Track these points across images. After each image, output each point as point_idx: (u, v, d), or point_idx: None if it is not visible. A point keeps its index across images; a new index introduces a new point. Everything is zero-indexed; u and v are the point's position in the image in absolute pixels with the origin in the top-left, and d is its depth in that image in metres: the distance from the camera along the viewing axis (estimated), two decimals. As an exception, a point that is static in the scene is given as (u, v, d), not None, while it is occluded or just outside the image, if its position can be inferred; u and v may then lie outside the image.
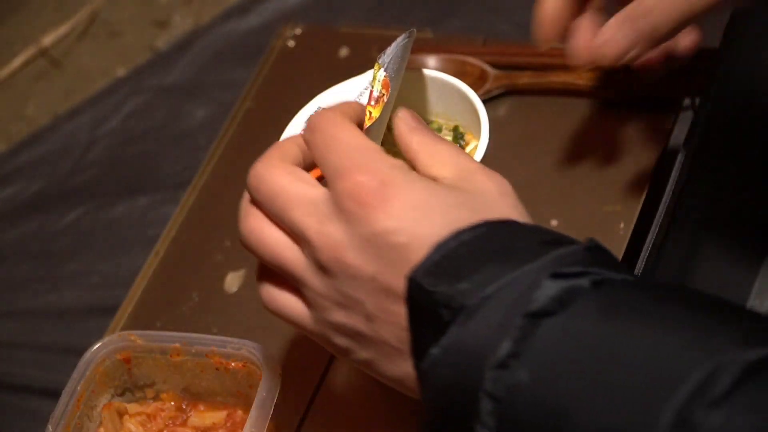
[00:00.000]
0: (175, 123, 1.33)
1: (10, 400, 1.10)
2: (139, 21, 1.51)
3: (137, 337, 0.84)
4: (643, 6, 0.67)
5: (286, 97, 1.03)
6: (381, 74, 0.71)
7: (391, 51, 0.72)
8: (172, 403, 0.85)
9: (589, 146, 0.91)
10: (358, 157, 0.59)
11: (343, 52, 1.07)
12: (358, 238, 0.58)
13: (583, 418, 0.48)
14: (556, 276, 0.53)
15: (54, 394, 0.82)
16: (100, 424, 0.84)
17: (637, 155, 0.89)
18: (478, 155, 0.74)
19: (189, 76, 1.38)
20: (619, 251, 0.83)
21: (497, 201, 0.60)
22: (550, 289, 0.52)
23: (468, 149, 0.78)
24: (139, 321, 0.94)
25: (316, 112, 0.65)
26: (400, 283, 0.57)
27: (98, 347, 0.84)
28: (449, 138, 0.80)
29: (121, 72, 1.42)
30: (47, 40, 1.51)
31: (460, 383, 0.53)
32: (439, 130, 0.80)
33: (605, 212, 0.86)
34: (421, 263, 0.56)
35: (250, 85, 1.08)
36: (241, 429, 0.76)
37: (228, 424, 0.83)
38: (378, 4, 1.39)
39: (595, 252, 0.56)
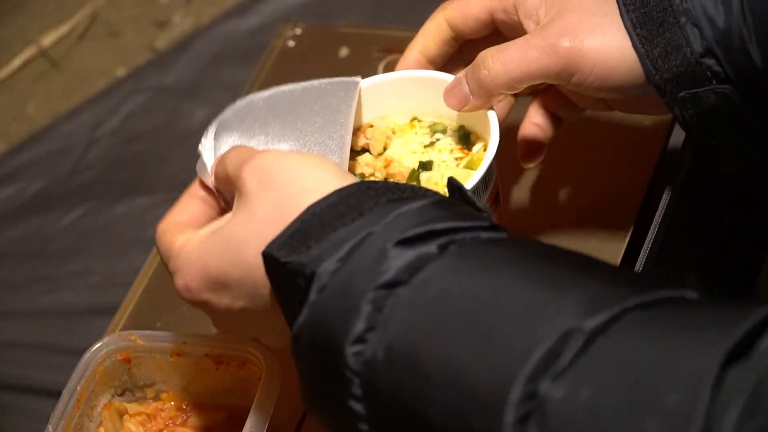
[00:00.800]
0: (175, 123, 1.33)
1: (10, 400, 1.10)
2: (139, 21, 1.51)
3: (137, 337, 0.84)
4: (485, 63, 0.72)
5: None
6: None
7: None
8: (172, 403, 0.85)
9: (588, 146, 0.91)
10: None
11: (343, 52, 1.07)
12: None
13: (438, 391, 0.49)
14: (402, 243, 0.54)
15: (54, 394, 0.82)
16: (100, 424, 0.84)
17: (636, 155, 0.89)
18: (489, 155, 0.73)
19: (189, 76, 1.38)
20: (618, 252, 0.83)
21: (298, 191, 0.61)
22: (397, 259, 0.53)
23: (475, 149, 0.78)
24: (139, 321, 0.94)
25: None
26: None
27: (98, 347, 0.83)
28: (453, 139, 0.79)
29: (121, 72, 1.43)
30: (47, 40, 1.51)
31: (326, 356, 0.54)
32: (444, 131, 0.80)
33: (603, 212, 0.86)
34: (276, 238, 0.58)
35: (250, 85, 1.08)
36: (241, 429, 0.76)
37: (228, 424, 0.83)
38: (378, 4, 1.39)
39: (444, 204, 0.57)
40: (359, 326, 0.53)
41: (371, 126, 0.81)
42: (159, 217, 1.19)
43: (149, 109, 1.36)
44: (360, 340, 0.53)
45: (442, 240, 0.54)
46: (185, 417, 0.84)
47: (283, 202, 0.60)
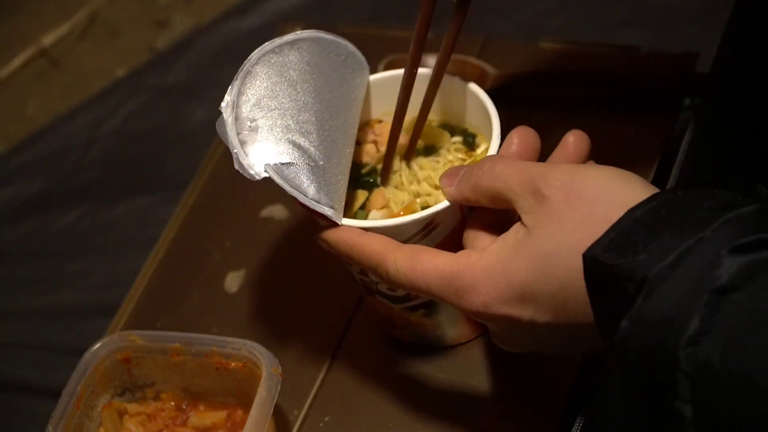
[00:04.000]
0: (175, 123, 1.33)
1: (10, 400, 1.10)
2: (139, 21, 1.51)
3: (137, 337, 0.84)
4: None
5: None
6: None
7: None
8: (172, 403, 0.85)
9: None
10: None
11: (343, 52, 1.07)
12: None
13: None
14: (735, 251, 0.53)
15: (54, 394, 0.82)
16: (100, 424, 0.83)
17: (637, 155, 0.89)
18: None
19: (189, 76, 1.38)
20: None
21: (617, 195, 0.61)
22: (731, 265, 0.53)
23: (478, 151, 0.78)
24: (139, 321, 0.94)
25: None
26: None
27: (98, 347, 0.84)
28: (459, 140, 0.79)
29: (121, 72, 1.42)
30: (47, 40, 1.51)
31: (654, 358, 0.54)
32: (452, 132, 0.80)
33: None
34: (596, 242, 0.58)
35: (250, 85, 1.08)
36: (241, 429, 0.76)
37: (228, 424, 0.83)
38: (378, 4, 1.39)
39: (765, 213, 0.57)
40: (693, 329, 0.52)
41: (380, 122, 0.81)
42: (159, 217, 1.20)
43: (149, 109, 1.36)
44: (693, 342, 0.52)
45: None
46: (185, 417, 0.84)
47: (594, 215, 0.61)
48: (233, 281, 0.95)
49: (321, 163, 0.71)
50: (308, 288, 0.92)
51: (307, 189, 0.70)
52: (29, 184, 1.32)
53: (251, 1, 1.44)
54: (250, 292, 0.93)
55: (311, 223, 0.74)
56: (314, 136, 0.72)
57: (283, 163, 0.70)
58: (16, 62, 1.50)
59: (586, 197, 0.62)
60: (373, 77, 0.80)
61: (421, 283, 0.67)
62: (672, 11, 1.26)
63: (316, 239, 0.73)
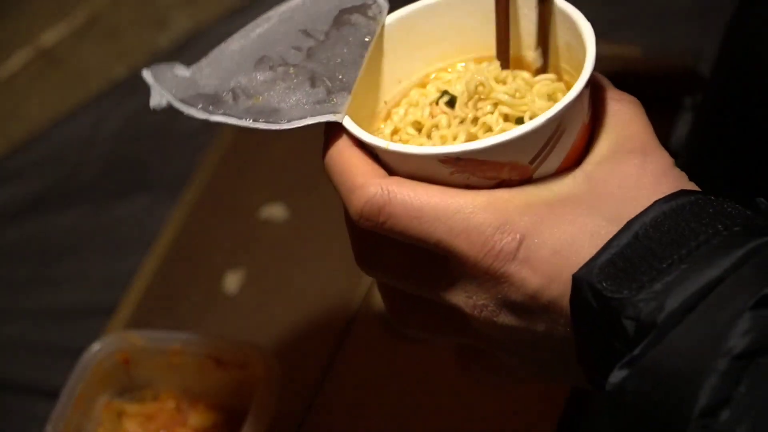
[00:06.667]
0: (174, 123, 1.33)
1: (9, 400, 1.10)
2: (139, 21, 1.51)
3: (137, 337, 0.84)
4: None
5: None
6: None
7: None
8: (171, 404, 0.85)
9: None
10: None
11: (343, 52, 1.07)
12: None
13: None
14: (762, 304, 0.46)
15: (53, 394, 0.82)
16: (99, 424, 0.83)
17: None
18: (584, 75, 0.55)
19: (189, 76, 1.38)
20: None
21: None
22: (757, 319, 0.46)
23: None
24: (139, 321, 0.94)
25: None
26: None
27: (97, 348, 0.83)
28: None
29: (121, 72, 1.42)
30: (47, 40, 1.51)
31: (661, 419, 0.47)
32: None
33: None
34: (591, 260, 0.50)
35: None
36: (241, 429, 0.76)
37: (228, 424, 0.83)
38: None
39: None
40: (710, 397, 0.45)
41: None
42: (159, 217, 1.20)
43: (149, 109, 1.35)
44: (711, 413, 0.45)
45: None
46: (184, 417, 0.84)
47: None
48: (233, 281, 0.95)
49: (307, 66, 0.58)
50: (308, 288, 0.92)
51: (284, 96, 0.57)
52: (29, 184, 1.32)
53: (251, 1, 1.44)
54: (249, 293, 0.93)
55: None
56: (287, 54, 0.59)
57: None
58: (16, 62, 1.50)
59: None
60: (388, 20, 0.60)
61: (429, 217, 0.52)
62: (672, 11, 1.26)
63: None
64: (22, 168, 1.34)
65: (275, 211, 1.00)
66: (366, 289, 0.90)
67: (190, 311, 0.94)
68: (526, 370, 0.58)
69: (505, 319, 0.53)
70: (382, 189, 0.52)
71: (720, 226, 0.49)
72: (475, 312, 0.53)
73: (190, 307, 0.94)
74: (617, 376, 0.48)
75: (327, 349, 0.87)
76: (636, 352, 0.47)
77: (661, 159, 0.54)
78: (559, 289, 0.51)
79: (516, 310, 0.52)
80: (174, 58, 1.41)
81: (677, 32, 1.24)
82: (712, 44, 0.89)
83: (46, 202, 1.29)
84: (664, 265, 0.48)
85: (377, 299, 0.88)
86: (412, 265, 0.54)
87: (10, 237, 1.27)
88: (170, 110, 1.45)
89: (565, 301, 0.51)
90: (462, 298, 0.53)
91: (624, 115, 0.56)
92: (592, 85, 0.57)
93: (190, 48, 1.41)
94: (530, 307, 0.52)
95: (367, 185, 0.53)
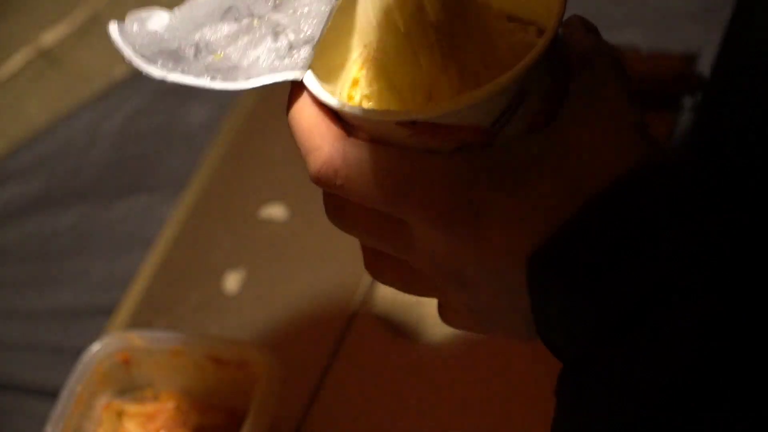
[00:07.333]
0: (175, 123, 1.33)
1: (9, 400, 1.10)
2: (139, 21, 1.51)
3: (137, 337, 0.84)
4: None
5: (286, 97, 1.03)
6: None
7: None
8: (172, 404, 0.85)
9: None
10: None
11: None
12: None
13: None
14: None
15: (53, 395, 0.82)
16: (100, 424, 0.83)
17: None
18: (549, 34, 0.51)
19: (189, 76, 1.38)
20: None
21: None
22: None
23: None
24: (139, 321, 0.94)
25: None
26: None
27: (97, 348, 0.83)
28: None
29: (121, 72, 1.42)
30: (47, 39, 1.51)
31: None
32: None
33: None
34: (547, 245, 0.48)
35: (250, 85, 1.08)
36: (241, 429, 0.76)
37: (228, 424, 0.83)
38: None
39: None
40: None
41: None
42: (159, 217, 1.20)
43: (149, 109, 1.36)
44: None
45: None
46: (184, 417, 0.84)
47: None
48: (233, 281, 0.95)
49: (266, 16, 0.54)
50: (308, 288, 0.92)
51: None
52: (29, 184, 1.32)
53: (251, 0, 1.44)
54: (249, 292, 0.93)
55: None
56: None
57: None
58: (16, 62, 1.50)
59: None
60: None
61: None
62: (672, 11, 1.26)
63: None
64: (22, 168, 1.34)
65: (275, 211, 1.00)
66: (366, 289, 0.90)
67: (190, 311, 0.94)
68: (493, 328, 0.55)
69: (463, 285, 0.52)
70: (337, 151, 0.50)
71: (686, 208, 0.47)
72: (437, 276, 0.52)
73: (190, 307, 0.94)
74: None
75: (327, 349, 0.87)
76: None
77: (630, 124, 0.51)
78: (514, 261, 0.49)
79: (472, 277, 0.51)
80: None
81: (677, 32, 1.24)
82: (712, 44, 0.89)
83: (46, 202, 1.29)
84: (620, 259, 0.46)
85: (377, 299, 0.88)
86: (377, 225, 0.52)
87: (10, 237, 1.27)
88: (170, 110, 1.45)
89: (522, 275, 0.49)
90: (424, 260, 0.52)
91: (597, 74, 0.52)
92: (566, 36, 0.53)
93: (190, 48, 1.41)
94: (486, 275, 0.51)
95: (323, 147, 0.51)
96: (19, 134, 1.40)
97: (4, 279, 1.22)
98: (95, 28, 1.51)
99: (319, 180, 0.51)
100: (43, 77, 1.47)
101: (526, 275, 0.49)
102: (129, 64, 0.53)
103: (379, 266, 0.55)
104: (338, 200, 0.53)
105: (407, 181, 0.49)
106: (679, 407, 0.44)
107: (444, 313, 0.56)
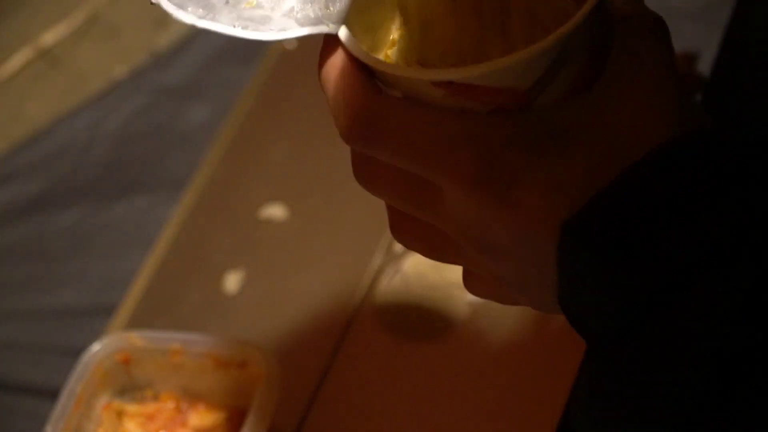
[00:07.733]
0: (175, 123, 1.33)
1: (9, 400, 1.10)
2: (139, 21, 1.51)
3: (137, 338, 0.84)
4: None
5: (286, 97, 1.03)
6: None
7: None
8: (172, 404, 0.85)
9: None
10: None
11: (343, 51, 1.07)
12: None
13: None
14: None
15: (53, 395, 0.82)
16: (100, 424, 0.83)
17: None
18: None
19: (189, 76, 1.38)
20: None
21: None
22: None
23: None
24: (139, 321, 0.94)
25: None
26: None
27: (98, 348, 0.83)
28: None
29: (121, 72, 1.42)
30: (47, 39, 1.51)
31: None
32: None
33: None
34: (580, 213, 0.47)
35: (250, 85, 1.08)
36: (241, 429, 0.76)
37: (228, 424, 0.83)
38: None
39: None
40: None
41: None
42: (159, 217, 1.20)
43: (149, 109, 1.36)
44: None
45: None
46: (184, 417, 0.84)
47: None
48: (233, 281, 0.95)
49: None
50: (308, 288, 0.92)
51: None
52: (29, 184, 1.32)
53: (251, 0, 1.44)
54: (249, 292, 0.93)
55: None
56: None
57: None
58: (16, 62, 1.50)
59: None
60: None
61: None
62: (672, 11, 1.26)
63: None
64: (23, 168, 1.34)
65: (275, 211, 1.00)
66: (366, 289, 0.90)
67: (190, 311, 0.94)
68: (519, 298, 0.54)
69: (491, 251, 0.50)
70: (370, 108, 0.49)
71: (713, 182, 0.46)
72: (465, 241, 0.50)
73: (190, 307, 0.94)
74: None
75: (327, 349, 0.87)
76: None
77: (671, 91, 0.50)
78: (546, 228, 0.48)
79: (501, 243, 0.49)
80: (174, 57, 1.41)
81: (677, 32, 1.23)
82: (712, 44, 0.89)
83: (46, 202, 1.29)
84: (652, 239, 0.45)
85: (377, 299, 0.88)
86: (406, 186, 0.51)
87: (10, 237, 1.27)
88: (170, 110, 1.44)
89: (553, 244, 0.48)
90: (452, 224, 0.50)
91: (639, 40, 0.51)
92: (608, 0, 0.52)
93: (190, 48, 1.41)
94: (516, 242, 0.49)
95: (356, 103, 0.49)
96: (19, 134, 1.40)
97: (4, 279, 1.22)
98: (95, 28, 1.51)
99: (350, 137, 0.49)
100: (43, 77, 1.47)
101: (557, 244, 0.47)
102: (129, 64, 0.53)
103: (405, 228, 0.54)
104: (367, 159, 0.51)
105: (440, 141, 0.48)
106: (737, 375, 0.43)
107: (469, 280, 0.54)
